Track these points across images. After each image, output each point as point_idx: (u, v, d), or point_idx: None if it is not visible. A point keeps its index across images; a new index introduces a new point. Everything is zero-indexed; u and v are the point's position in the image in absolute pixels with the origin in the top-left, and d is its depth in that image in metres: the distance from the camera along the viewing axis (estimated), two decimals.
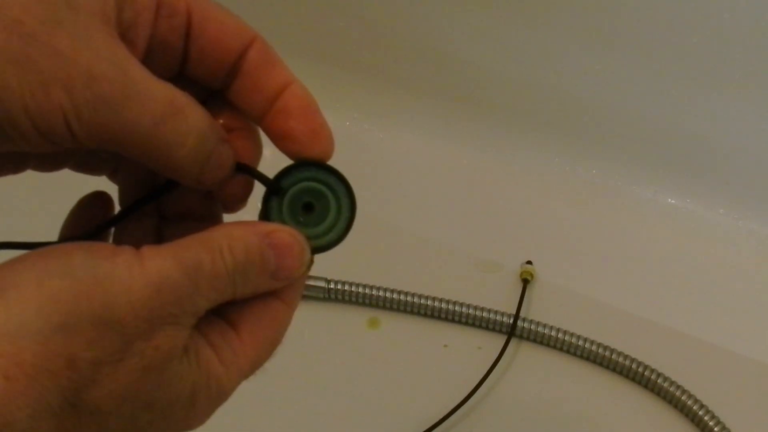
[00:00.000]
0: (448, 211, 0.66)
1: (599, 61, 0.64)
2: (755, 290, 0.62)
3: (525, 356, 0.55)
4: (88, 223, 0.27)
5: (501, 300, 0.57)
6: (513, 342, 0.56)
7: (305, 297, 0.57)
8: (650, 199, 0.67)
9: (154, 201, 0.27)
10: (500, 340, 0.55)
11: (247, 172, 0.29)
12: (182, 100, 0.23)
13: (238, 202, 0.29)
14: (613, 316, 0.58)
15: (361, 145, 0.70)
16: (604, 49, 0.63)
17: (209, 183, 0.25)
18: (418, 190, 0.67)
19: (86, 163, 0.27)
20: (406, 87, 0.71)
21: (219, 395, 0.25)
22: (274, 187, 0.28)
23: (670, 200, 0.67)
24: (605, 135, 0.67)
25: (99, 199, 0.28)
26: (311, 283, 0.56)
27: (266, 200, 0.28)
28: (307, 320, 0.55)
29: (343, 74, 0.72)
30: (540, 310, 0.57)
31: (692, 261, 0.63)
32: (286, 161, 0.29)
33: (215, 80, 0.26)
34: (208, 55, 0.25)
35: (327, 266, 0.58)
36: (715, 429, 0.50)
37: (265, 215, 0.28)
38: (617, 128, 0.67)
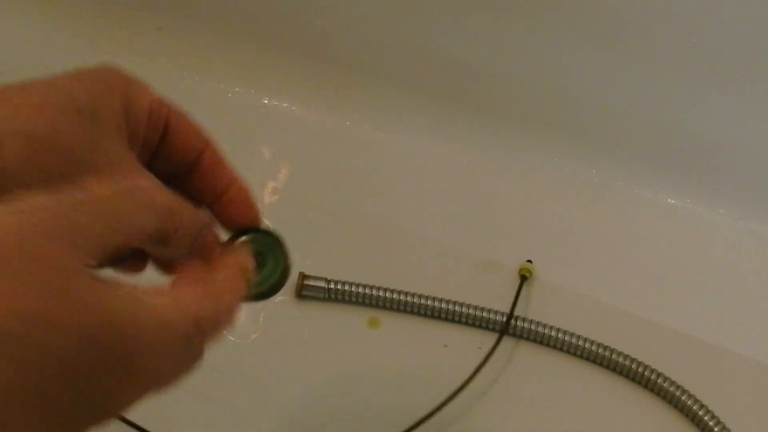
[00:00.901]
0: (448, 211, 0.66)
1: (599, 61, 0.64)
2: (755, 290, 0.62)
3: (524, 356, 0.55)
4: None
5: (501, 300, 0.57)
6: (511, 341, 0.56)
7: (305, 297, 0.57)
8: (650, 199, 0.67)
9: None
10: (500, 339, 0.55)
11: None
12: (180, 202, 0.27)
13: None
14: (613, 316, 0.58)
15: (361, 145, 0.70)
16: (605, 49, 0.63)
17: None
18: (418, 190, 0.67)
19: None
20: (406, 87, 0.71)
21: (162, 327, 0.23)
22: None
23: (670, 200, 0.67)
24: (605, 135, 0.67)
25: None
26: (311, 283, 0.56)
27: None
28: (307, 320, 0.56)
29: (343, 74, 0.72)
30: (539, 310, 0.57)
31: (692, 261, 0.63)
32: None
33: (176, 172, 0.33)
34: (175, 152, 0.32)
35: (327, 266, 0.58)
36: (715, 429, 0.50)
37: None
38: (617, 128, 0.67)
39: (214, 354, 0.54)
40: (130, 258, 0.30)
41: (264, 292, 0.34)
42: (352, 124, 0.72)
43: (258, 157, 0.70)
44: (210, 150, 0.34)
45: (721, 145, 0.64)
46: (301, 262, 0.59)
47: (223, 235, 0.34)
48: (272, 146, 0.71)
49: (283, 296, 0.57)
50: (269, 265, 0.35)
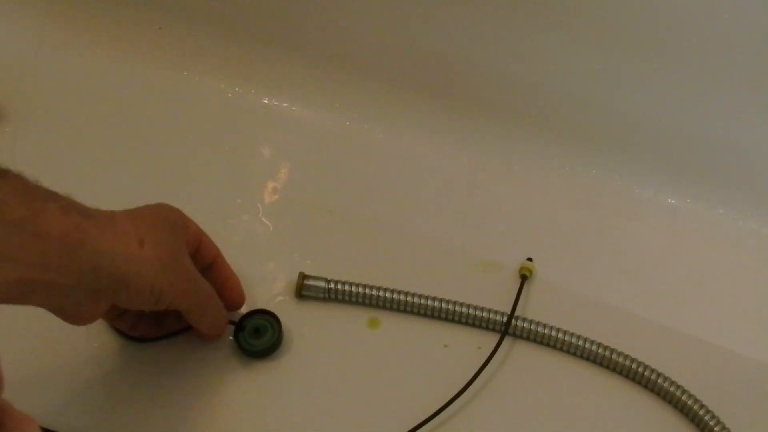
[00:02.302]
0: (448, 211, 0.66)
1: (599, 61, 0.64)
2: (755, 290, 0.62)
3: (523, 355, 0.55)
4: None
5: (501, 300, 0.57)
6: (511, 341, 0.56)
7: (305, 297, 0.57)
8: (650, 199, 0.67)
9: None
10: (500, 339, 0.55)
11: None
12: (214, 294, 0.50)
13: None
14: (613, 316, 0.58)
15: (361, 145, 0.70)
16: (604, 49, 0.63)
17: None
18: (418, 190, 0.67)
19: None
20: (406, 87, 0.71)
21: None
22: (240, 325, 0.53)
23: (670, 200, 0.67)
24: (605, 135, 0.67)
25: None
26: (311, 283, 0.56)
27: (236, 331, 0.53)
28: (307, 320, 0.56)
29: (343, 74, 0.72)
30: (539, 310, 0.57)
31: (692, 261, 0.63)
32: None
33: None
34: (202, 257, 0.51)
35: (327, 266, 0.59)
36: (716, 429, 0.50)
37: (235, 337, 0.53)
38: (617, 128, 0.67)
39: (214, 354, 0.54)
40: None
41: (263, 351, 0.52)
42: (352, 124, 0.72)
43: (258, 157, 0.70)
44: (219, 256, 0.52)
45: (722, 145, 0.64)
46: (300, 262, 0.59)
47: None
48: (272, 146, 0.71)
49: (283, 296, 0.57)
50: (268, 333, 0.53)
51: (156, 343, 0.53)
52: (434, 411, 0.50)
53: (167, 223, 0.45)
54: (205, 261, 0.50)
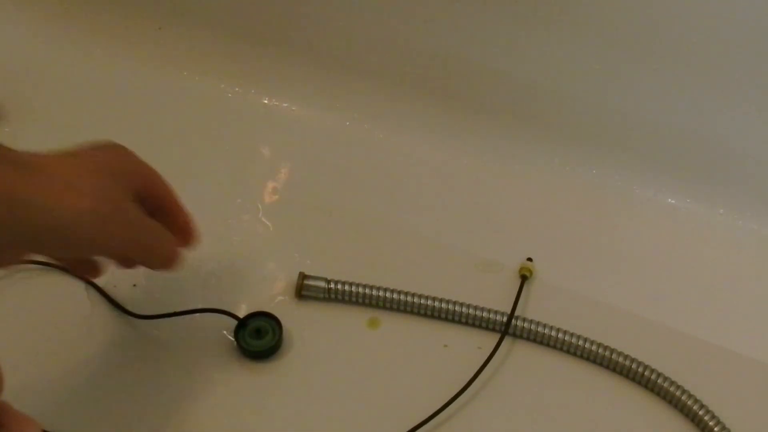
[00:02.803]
0: (448, 211, 0.66)
1: (599, 61, 0.64)
2: (755, 290, 0.62)
3: (523, 355, 0.55)
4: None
5: (501, 300, 0.57)
6: (511, 341, 0.56)
7: (305, 297, 0.57)
8: (650, 199, 0.67)
9: None
10: (500, 340, 0.55)
11: (225, 313, 0.54)
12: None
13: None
14: (613, 316, 0.58)
15: (361, 145, 0.70)
16: (604, 49, 0.63)
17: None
18: (418, 190, 0.67)
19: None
20: (406, 87, 0.71)
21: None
22: (243, 322, 0.53)
23: (670, 200, 0.67)
24: (605, 135, 0.67)
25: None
26: (311, 283, 0.56)
27: (237, 329, 0.53)
28: (307, 320, 0.56)
29: (343, 74, 0.72)
30: (539, 310, 0.57)
31: (692, 261, 0.63)
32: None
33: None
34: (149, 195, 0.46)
35: (327, 266, 0.59)
36: (715, 429, 0.50)
37: (236, 336, 0.53)
38: (617, 128, 0.67)
39: (215, 354, 0.54)
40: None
41: (263, 352, 0.52)
42: (352, 124, 0.72)
43: (258, 157, 0.70)
44: (169, 196, 0.48)
45: (722, 146, 0.64)
46: (301, 262, 0.59)
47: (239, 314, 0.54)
48: (272, 146, 0.71)
49: (283, 296, 0.57)
50: (269, 335, 0.53)
51: (156, 343, 0.53)
52: (434, 411, 0.50)
53: (108, 168, 0.42)
54: (155, 200, 0.47)
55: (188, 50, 0.75)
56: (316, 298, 0.57)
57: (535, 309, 0.58)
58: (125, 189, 0.43)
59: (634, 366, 0.53)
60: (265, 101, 0.74)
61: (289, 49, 0.73)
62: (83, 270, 0.48)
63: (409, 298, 0.56)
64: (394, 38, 0.69)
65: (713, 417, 0.50)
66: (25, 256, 0.42)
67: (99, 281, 0.55)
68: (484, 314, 0.56)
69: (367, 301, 0.56)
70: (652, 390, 0.53)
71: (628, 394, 0.53)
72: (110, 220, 0.40)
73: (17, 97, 0.70)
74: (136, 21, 0.75)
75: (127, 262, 0.48)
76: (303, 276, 0.57)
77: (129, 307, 0.54)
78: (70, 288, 0.55)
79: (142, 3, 0.75)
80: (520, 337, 0.56)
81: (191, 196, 0.59)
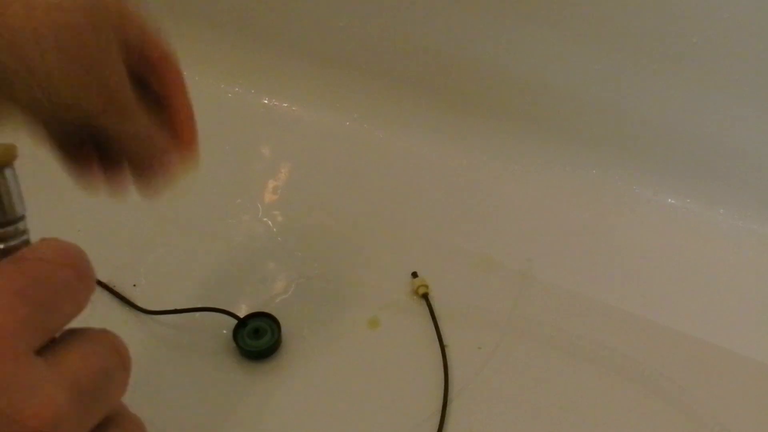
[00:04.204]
0: (448, 210, 0.66)
1: (599, 61, 0.64)
2: (755, 290, 0.62)
3: (523, 355, 0.55)
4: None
5: (501, 300, 0.57)
6: (511, 341, 0.56)
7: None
8: (650, 199, 0.67)
9: None
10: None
11: (225, 313, 0.53)
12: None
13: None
14: (613, 316, 0.58)
15: (361, 145, 0.70)
16: (604, 49, 0.63)
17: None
18: (418, 190, 0.67)
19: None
20: (405, 87, 0.71)
21: None
22: (242, 322, 0.53)
23: (670, 200, 0.67)
24: (605, 135, 0.67)
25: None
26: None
27: (237, 329, 0.53)
28: (307, 320, 0.55)
29: (343, 74, 0.72)
30: (539, 310, 0.57)
31: (692, 261, 0.63)
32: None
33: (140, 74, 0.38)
34: (138, 57, 0.38)
35: (327, 266, 0.59)
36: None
37: (234, 336, 0.52)
38: (617, 128, 0.67)
39: (214, 354, 0.54)
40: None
41: (262, 351, 0.52)
42: (352, 124, 0.72)
43: (258, 157, 0.70)
44: (172, 72, 0.39)
45: (721, 146, 0.64)
46: (301, 261, 0.59)
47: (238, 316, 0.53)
48: (272, 146, 0.71)
49: (283, 296, 0.57)
50: (267, 335, 0.53)
51: (155, 343, 0.53)
52: (433, 411, 0.50)
53: (88, 18, 0.32)
54: (146, 74, 0.38)
55: (188, 50, 0.74)
56: (315, 298, 0.57)
57: (535, 309, 0.58)
58: (107, 46, 0.33)
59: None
60: (265, 101, 0.74)
61: (289, 49, 0.73)
62: (82, 167, 0.39)
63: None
64: (395, 38, 0.69)
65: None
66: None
67: (99, 277, 0.55)
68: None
69: (367, 300, 0.56)
70: (651, 389, 0.53)
71: (629, 394, 0.53)
72: (72, 58, 0.31)
73: None
74: None
75: (108, 150, 0.38)
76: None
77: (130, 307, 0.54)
78: None
79: (142, 3, 0.75)
80: (519, 336, 0.56)
81: (191, 196, 0.59)
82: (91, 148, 0.39)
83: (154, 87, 0.38)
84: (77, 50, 0.31)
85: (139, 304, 0.54)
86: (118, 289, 0.55)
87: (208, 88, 0.74)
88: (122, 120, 0.35)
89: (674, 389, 0.52)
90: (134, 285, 0.56)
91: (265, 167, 0.69)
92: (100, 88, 0.33)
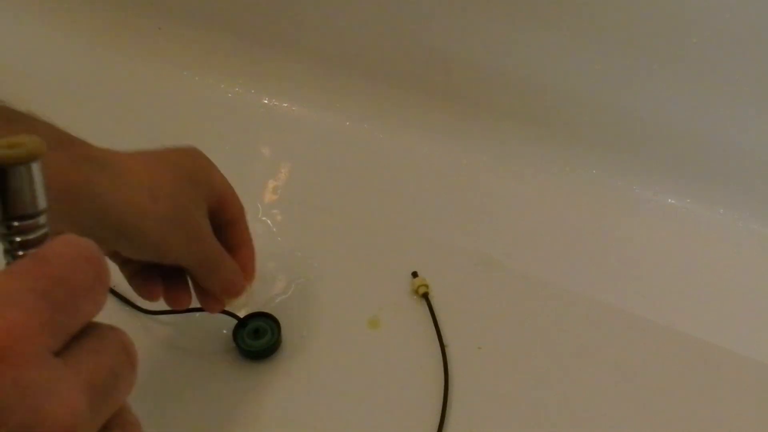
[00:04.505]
0: (448, 211, 0.66)
1: (599, 61, 0.64)
2: (755, 290, 0.62)
3: (522, 355, 0.55)
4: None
5: (501, 300, 0.57)
6: (509, 340, 0.56)
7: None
8: (650, 199, 0.67)
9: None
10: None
11: (225, 313, 0.52)
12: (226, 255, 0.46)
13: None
14: (613, 316, 0.58)
15: (361, 145, 0.70)
16: (604, 49, 0.63)
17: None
18: (418, 190, 0.67)
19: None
20: (406, 87, 0.71)
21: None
22: (242, 322, 0.53)
23: (670, 200, 0.67)
24: (605, 135, 0.67)
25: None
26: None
27: (236, 328, 0.53)
28: (307, 320, 0.55)
29: (344, 74, 0.72)
30: (539, 310, 0.57)
31: (692, 261, 0.63)
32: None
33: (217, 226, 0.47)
34: (222, 213, 0.47)
35: (327, 265, 0.58)
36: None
37: (234, 336, 0.52)
38: (617, 128, 0.67)
39: (214, 354, 0.54)
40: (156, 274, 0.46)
41: (261, 352, 0.52)
42: (352, 124, 0.72)
43: (258, 157, 0.70)
44: (241, 218, 0.48)
45: (722, 146, 0.64)
46: (301, 262, 0.59)
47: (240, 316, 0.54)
48: (272, 146, 0.71)
49: (283, 296, 0.57)
50: (267, 336, 0.53)
51: (155, 343, 0.53)
52: (433, 410, 0.50)
53: (188, 175, 0.43)
54: (226, 218, 0.47)
55: (188, 50, 0.75)
56: (315, 298, 0.57)
57: (535, 308, 0.58)
58: (200, 201, 0.43)
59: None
60: (265, 101, 0.74)
61: (289, 49, 0.73)
62: (148, 285, 0.47)
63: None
64: (394, 38, 0.69)
65: None
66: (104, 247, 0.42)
67: None
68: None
69: (367, 300, 0.56)
70: (650, 387, 0.53)
71: (629, 392, 0.53)
72: (178, 228, 0.41)
73: (17, 97, 0.70)
74: (136, 21, 0.75)
75: (194, 277, 0.47)
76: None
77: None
78: None
79: (142, 3, 0.75)
80: (518, 335, 0.56)
81: None
82: (158, 272, 0.47)
83: (227, 236, 0.47)
84: (183, 221, 0.42)
85: (139, 304, 0.54)
86: (118, 289, 0.55)
87: (208, 88, 0.74)
88: (210, 269, 0.45)
89: (674, 389, 0.52)
90: None
91: (265, 167, 0.69)
92: (198, 253, 0.44)
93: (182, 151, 0.45)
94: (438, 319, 0.56)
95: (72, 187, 0.37)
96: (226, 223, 0.47)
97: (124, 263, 0.47)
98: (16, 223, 0.22)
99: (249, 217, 0.63)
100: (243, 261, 0.48)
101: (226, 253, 0.46)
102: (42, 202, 0.22)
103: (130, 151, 0.42)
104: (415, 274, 0.58)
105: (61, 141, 0.38)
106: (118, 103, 0.72)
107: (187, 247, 0.43)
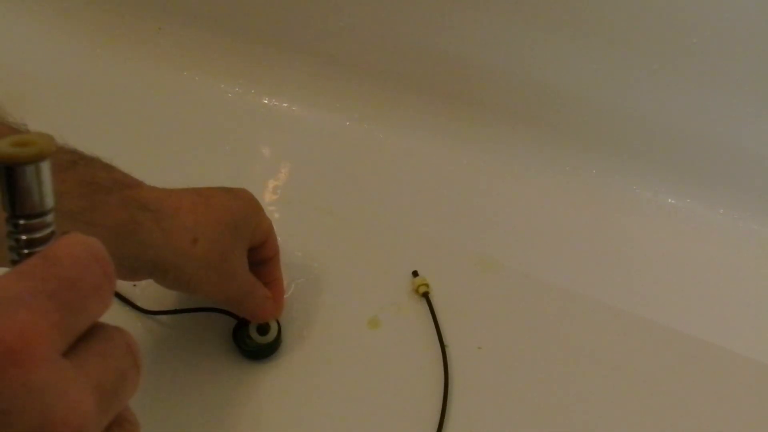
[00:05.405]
0: (448, 211, 0.66)
1: (599, 61, 0.64)
2: (755, 290, 0.62)
3: (523, 354, 0.55)
4: None
5: (501, 300, 0.57)
6: (508, 340, 0.56)
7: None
8: (650, 199, 0.67)
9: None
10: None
11: (225, 313, 0.53)
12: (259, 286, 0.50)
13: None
14: (613, 316, 0.58)
15: (361, 145, 0.70)
16: (604, 50, 0.63)
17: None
18: (418, 190, 0.67)
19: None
20: (405, 87, 0.71)
21: None
22: (242, 322, 0.53)
23: (670, 200, 0.67)
24: (605, 135, 0.67)
25: None
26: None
27: (236, 329, 0.53)
28: (307, 320, 0.55)
29: (343, 74, 0.72)
30: (538, 310, 0.57)
31: (692, 261, 0.63)
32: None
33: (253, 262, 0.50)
34: (263, 253, 0.51)
35: (327, 265, 0.58)
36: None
37: (234, 336, 0.53)
38: (617, 128, 0.67)
39: (214, 354, 0.54)
40: None
41: (261, 351, 0.53)
42: (352, 124, 0.72)
43: (258, 157, 0.70)
44: (276, 257, 0.52)
45: (722, 145, 0.64)
46: (301, 262, 0.59)
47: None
48: (272, 146, 0.71)
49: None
50: (267, 335, 0.52)
51: (155, 343, 0.53)
52: (433, 411, 0.50)
53: (233, 220, 0.46)
54: (263, 257, 0.51)
55: (188, 50, 0.75)
56: (315, 298, 0.57)
57: (534, 308, 0.58)
58: (241, 242, 0.46)
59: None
60: (265, 101, 0.74)
61: (289, 49, 0.73)
62: None
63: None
64: (395, 38, 0.69)
65: None
66: (135, 280, 0.48)
67: None
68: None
69: (366, 300, 0.56)
70: (650, 387, 0.53)
71: (628, 392, 0.53)
72: (212, 270, 0.44)
73: (17, 97, 0.70)
74: (136, 21, 0.75)
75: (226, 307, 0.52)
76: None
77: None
78: None
79: (142, 3, 0.75)
80: (518, 335, 0.56)
81: None
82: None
83: (261, 272, 0.50)
84: (218, 264, 0.44)
85: (139, 304, 0.54)
86: (119, 289, 0.55)
87: (208, 88, 0.74)
88: (239, 302, 0.49)
89: (674, 389, 0.52)
90: (134, 285, 0.56)
91: (265, 167, 0.69)
92: (228, 291, 0.47)
93: (233, 193, 0.48)
94: (438, 318, 0.56)
95: (119, 226, 0.40)
96: (261, 260, 0.51)
97: None
98: (23, 221, 0.22)
99: None
100: (273, 296, 0.52)
101: (258, 284, 0.49)
102: (50, 201, 0.22)
103: (183, 190, 0.45)
104: (415, 274, 0.58)
105: (116, 182, 0.41)
106: (117, 102, 0.72)
107: (218, 286, 0.46)
